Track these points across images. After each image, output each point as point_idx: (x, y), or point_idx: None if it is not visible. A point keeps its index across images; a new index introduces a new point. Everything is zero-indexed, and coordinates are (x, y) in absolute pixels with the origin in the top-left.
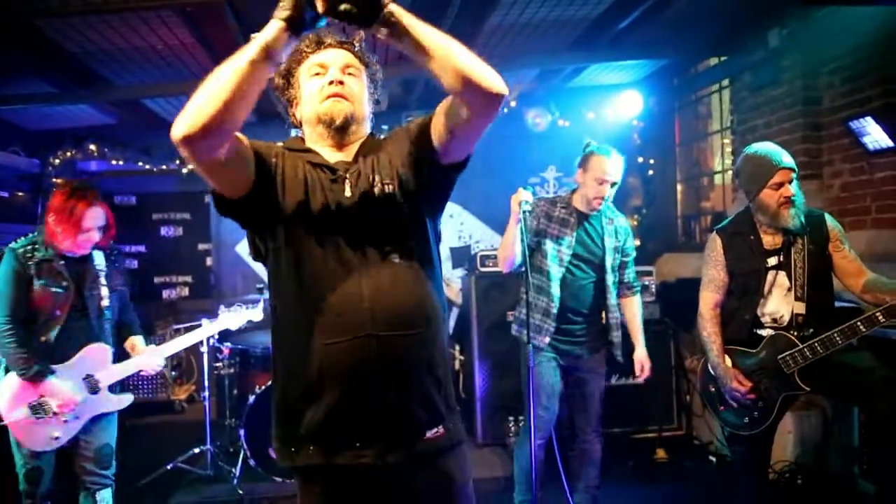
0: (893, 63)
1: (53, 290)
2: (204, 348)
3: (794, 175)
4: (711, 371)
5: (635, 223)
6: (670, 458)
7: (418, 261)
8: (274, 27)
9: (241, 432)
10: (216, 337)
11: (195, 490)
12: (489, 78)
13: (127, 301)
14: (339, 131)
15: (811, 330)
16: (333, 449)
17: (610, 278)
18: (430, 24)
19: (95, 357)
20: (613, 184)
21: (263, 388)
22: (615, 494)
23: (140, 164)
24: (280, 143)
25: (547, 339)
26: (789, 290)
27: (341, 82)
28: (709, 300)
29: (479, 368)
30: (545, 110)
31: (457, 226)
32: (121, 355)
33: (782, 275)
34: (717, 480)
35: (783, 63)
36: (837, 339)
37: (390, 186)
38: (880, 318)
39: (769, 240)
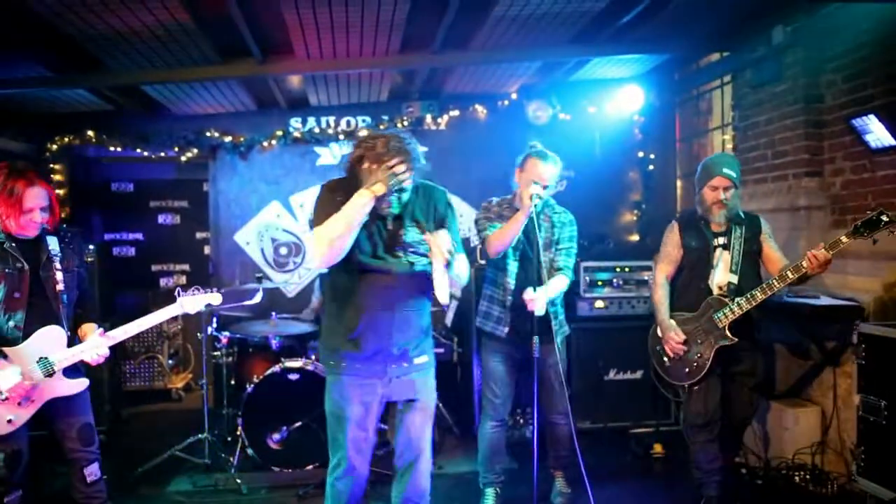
0: None
1: (7, 271)
2: (202, 337)
3: (731, 184)
4: (658, 333)
5: (635, 218)
6: (667, 452)
7: (427, 267)
8: (368, 202)
9: (240, 421)
10: (214, 326)
11: (193, 478)
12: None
13: (85, 283)
14: None
15: (740, 297)
16: (358, 363)
17: (545, 275)
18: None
19: (50, 340)
20: (546, 187)
21: (261, 377)
22: (612, 489)
23: (138, 150)
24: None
25: (507, 329)
26: (729, 265)
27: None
28: (662, 271)
29: (476, 360)
30: (546, 104)
31: (456, 218)
32: (79, 339)
33: (726, 253)
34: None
35: (786, 60)
36: (758, 294)
37: (417, 231)
38: (789, 274)
39: (715, 225)
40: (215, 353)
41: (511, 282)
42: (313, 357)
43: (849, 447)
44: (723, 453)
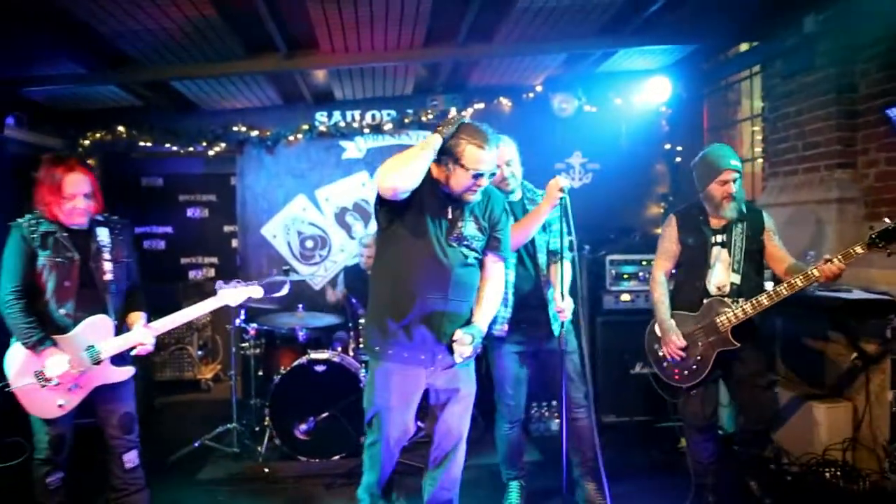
0: None
1: (58, 260)
2: (231, 329)
3: (737, 174)
4: (657, 330)
5: (661, 211)
6: None
7: (478, 264)
8: (437, 140)
9: (267, 412)
10: (243, 317)
11: (223, 467)
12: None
13: (134, 273)
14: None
15: (741, 298)
16: (405, 351)
17: (541, 258)
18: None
19: (97, 329)
20: (493, 174)
21: (288, 369)
22: (638, 483)
23: (167, 145)
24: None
25: (506, 327)
26: (730, 264)
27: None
28: (660, 267)
29: None
30: (572, 95)
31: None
32: (127, 328)
33: (725, 251)
34: (741, 470)
35: (818, 49)
36: (764, 301)
37: (475, 226)
38: (798, 282)
39: (715, 221)
40: (243, 345)
41: (511, 274)
42: (339, 349)
43: (881, 444)
44: (750, 450)
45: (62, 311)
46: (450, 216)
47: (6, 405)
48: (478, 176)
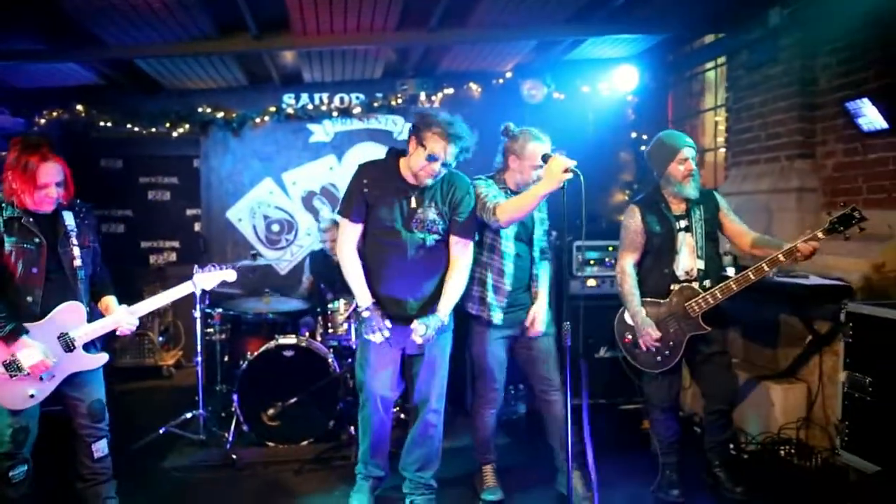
0: (892, 45)
1: (26, 246)
2: (197, 314)
3: (694, 152)
4: (628, 321)
5: (626, 198)
6: None
7: (443, 244)
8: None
9: (235, 398)
10: (207, 302)
11: (188, 454)
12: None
13: (99, 258)
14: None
15: (707, 281)
16: (391, 310)
17: (536, 250)
18: None
19: (70, 316)
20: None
21: (256, 354)
22: (606, 464)
23: (128, 126)
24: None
25: (500, 315)
26: (695, 250)
27: (437, 170)
28: (629, 259)
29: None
30: (541, 82)
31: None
32: (97, 314)
33: (689, 236)
34: (701, 450)
35: (782, 42)
36: (733, 286)
37: (435, 212)
38: (765, 267)
39: (676, 206)
40: (208, 330)
41: (509, 265)
42: (306, 334)
43: (833, 422)
44: (716, 437)
45: (29, 299)
46: (413, 204)
47: None
48: (432, 159)
